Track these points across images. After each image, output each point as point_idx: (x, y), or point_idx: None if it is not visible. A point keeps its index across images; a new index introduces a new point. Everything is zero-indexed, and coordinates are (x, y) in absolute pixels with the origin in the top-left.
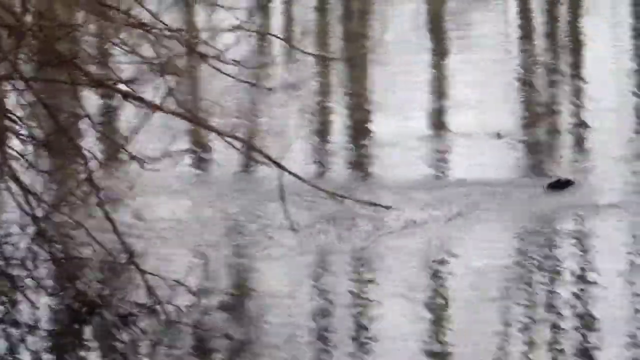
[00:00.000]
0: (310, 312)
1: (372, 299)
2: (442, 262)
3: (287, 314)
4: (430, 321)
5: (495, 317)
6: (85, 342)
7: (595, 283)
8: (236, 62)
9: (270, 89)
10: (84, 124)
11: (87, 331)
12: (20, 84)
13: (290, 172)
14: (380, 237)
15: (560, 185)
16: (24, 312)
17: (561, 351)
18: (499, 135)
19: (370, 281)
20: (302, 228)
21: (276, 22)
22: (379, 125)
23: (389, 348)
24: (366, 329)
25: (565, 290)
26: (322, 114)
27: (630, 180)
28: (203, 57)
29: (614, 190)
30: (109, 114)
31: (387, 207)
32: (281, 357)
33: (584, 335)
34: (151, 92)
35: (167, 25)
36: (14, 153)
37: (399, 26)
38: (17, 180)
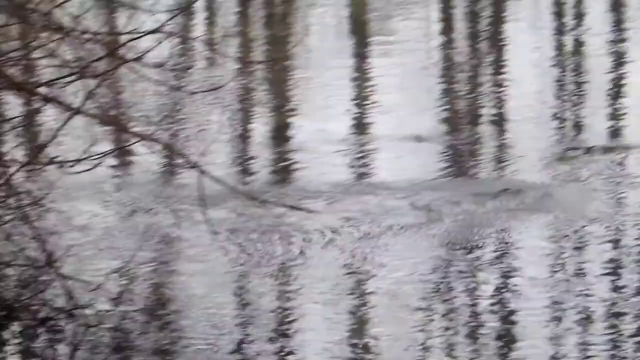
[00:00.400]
0: (231, 319)
1: (294, 307)
2: (364, 270)
3: (208, 319)
4: (352, 330)
5: (416, 326)
6: (3, 346)
7: (517, 290)
8: (157, 65)
9: (191, 93)
10: (4, 128)
11: (5, 335)
12: None
13: (210, 176)
14: (302, 244)
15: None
16: None
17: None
18: (419, 138)
19: (292, 290)
20: (224, 232)
21: (198, 26)
22: (300, 129)
23: (311, 358)
24: (288, 336)
25: (487, 299)
26: (244, 117)
27: (551, 183)
28: (123, 60)
29: (536, 192)
30: (29, 117)
31: (309, 211)
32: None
33: (505, 345)
34: (71, 95)
35: (87, 28)
36: None
37: (321, 30)
38: None
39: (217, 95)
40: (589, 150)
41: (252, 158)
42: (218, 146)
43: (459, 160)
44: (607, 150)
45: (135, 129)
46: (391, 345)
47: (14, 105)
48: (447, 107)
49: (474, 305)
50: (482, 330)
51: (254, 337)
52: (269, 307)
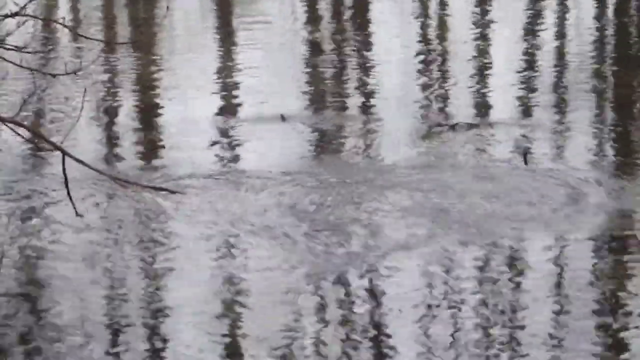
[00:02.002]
0: (101, 303)
1: (165, 293)
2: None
3: (79, 304)
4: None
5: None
6: None
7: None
8: (18, 48)
9: (54, 75)
10: None
11: None
12: None
13: (74, 158)
14: (168, 223)
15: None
16: None
17: None
18: (282, 118)
19: (166, 272)
20: (90, 214)
21: (62, 8)
22: (168, 109)
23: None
24: (157, 319)
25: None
26: (110, 99)
27: (414, 164)
28: None
29: (396, 171)
30: None
31: (173, 192)
32: (73, 346)
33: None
34: None
35: None
36: None
37: (186, 10)
38: None
39: (81, 77)
40: (453, 127)
41: (117, 141)
42: (84, 128)
43: (324, 141)
44: (471, 126)
45: None
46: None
47: None
48: (313, 86)
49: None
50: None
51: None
52: (138, 292)
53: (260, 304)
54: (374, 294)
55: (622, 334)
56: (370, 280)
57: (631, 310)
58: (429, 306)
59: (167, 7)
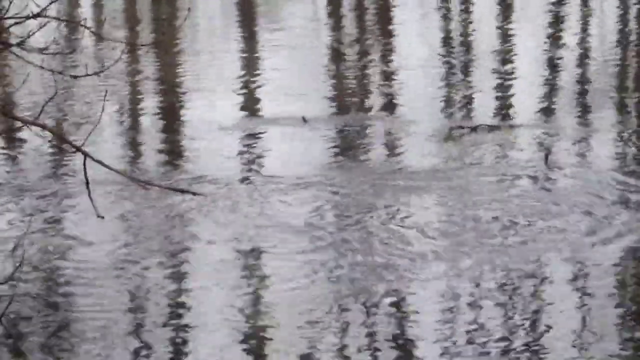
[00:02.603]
0: (123, 302)
1: (185, 288)
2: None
3: (100, 302)
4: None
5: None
6: None
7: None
8: (40, 50)
9: (75, 77)
10: None
11: None
12: None
13: (95, 159)
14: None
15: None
16: None
17: None
18: (304, 120)
19: (184, 272)
20: (111, 216)
21: (85, 9)
22: (190, 111)
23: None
24: (180, 316)
25: None
26: (133, 101)
27: (441, 167)
28: (6, 45)
29: (424, 173)
30: None
31: (196, 194)
32: (95, 347)
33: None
34: None
35: None
36: None
37: (209, 12)
38: None
39: (102, 79)
40: (474, 129)
41: (139, 142)
42: (106, 130)
43: (347, 143)
44: (493, 129)
45: (19, 115)
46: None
47: None
48: (336, 89)
49: None
50: None
51: (147, 323)
52: (157, 289)
53: (284, 318)
54: (399, 307)
55: None
56: (395, 294)
57: None
58: (452, 321)
59: (189, 9)
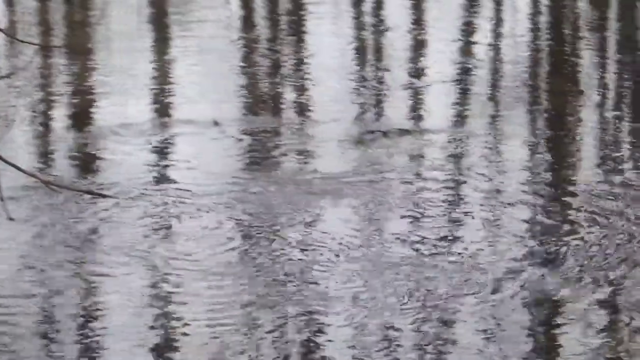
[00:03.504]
0: (32, 303)
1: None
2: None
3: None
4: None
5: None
6: None
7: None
8: None
9: None
10: None
11: None
12: None
13: (5, 161)
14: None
15: None
16: None
17: None
18: (215, 123)
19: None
20: (21, 218)
21: None
22: (101, 114)
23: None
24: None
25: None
26: (44, 103)
27: (353, 169)
28: None
29: (338, 180)
30: None
31: (104, 196)
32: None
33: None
34: None
35: None
36: None
37: (120, 13)
38: None
39: (15, 81)
40: (385, 133)
41: (52, 145)
42: (17, 132)
43: (259, 147)
44: (404, 133)
45: None
46: None
47: None
48: (247, 92)
49: None
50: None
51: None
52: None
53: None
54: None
55: None
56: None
57: None
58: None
59: (102, 10)
